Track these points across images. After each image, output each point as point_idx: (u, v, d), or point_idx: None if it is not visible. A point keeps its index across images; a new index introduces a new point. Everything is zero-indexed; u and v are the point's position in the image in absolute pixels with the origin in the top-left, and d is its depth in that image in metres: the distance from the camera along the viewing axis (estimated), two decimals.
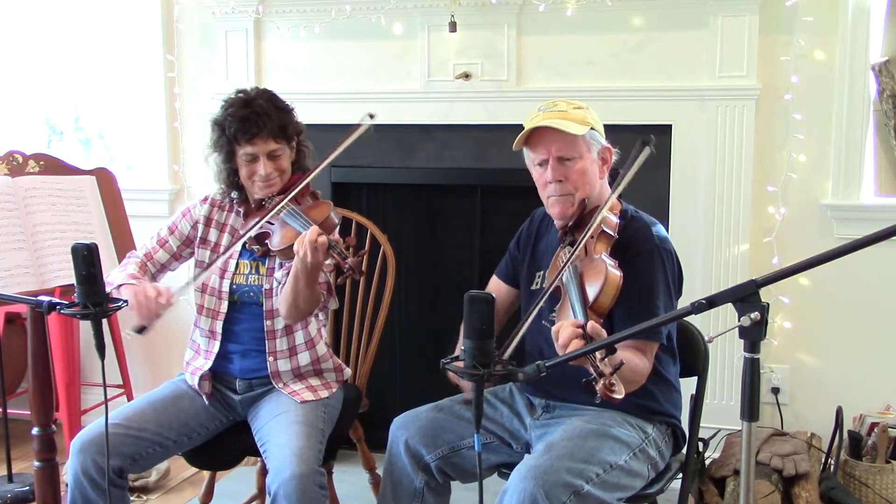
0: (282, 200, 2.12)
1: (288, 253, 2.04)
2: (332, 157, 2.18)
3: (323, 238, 1.94)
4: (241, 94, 2.18)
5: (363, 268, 1.96)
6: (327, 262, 2.00)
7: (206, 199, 2.32)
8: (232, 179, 2.23)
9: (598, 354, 1.55)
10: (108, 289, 2.11)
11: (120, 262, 2.87)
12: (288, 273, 2.09)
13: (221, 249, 2.25)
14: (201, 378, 2.22)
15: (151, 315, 2.02)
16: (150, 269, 2.28)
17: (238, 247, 2.23)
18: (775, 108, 2.87)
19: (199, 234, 2.28)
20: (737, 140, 2.83)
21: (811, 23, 2.79)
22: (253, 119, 2.11)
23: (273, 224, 2.13)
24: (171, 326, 3.41)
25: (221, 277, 2.24)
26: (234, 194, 2.26)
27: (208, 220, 2.29)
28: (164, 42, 3.42)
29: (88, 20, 3.67)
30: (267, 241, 2.14)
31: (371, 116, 2.20)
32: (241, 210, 2.25)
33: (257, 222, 2.12)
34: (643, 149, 1.89)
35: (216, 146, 2.19)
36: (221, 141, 2.17)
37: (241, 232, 2.17)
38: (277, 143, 2.15)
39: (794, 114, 2.84)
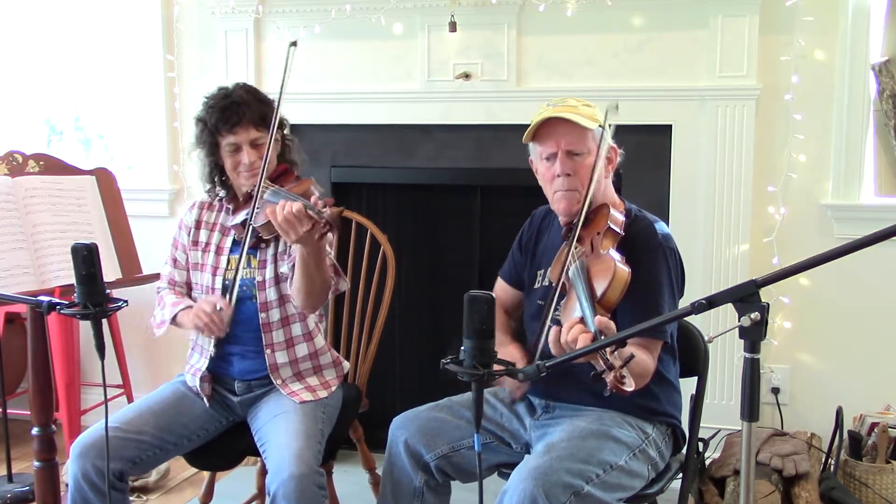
0: (266, 185, 2.11)
1: (270, 228, 2.03)
2: (279, 100, 2.13)
3: (296, 205, 1.91)
4: (221, 90, 2.20)
5: (340, 222, 1.96)
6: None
7: (193, 205, 2.34)
8: (217, 176, 2.24)
9: (607, 347, 1.55)
10: (162, 330, 2.21)
11: (120, 263, 2.89)
12: (293, 265, 2.09)
13: (212, 248, 2.26)
14: (201, 380, 2.22)
15: (223, 327, 2.10)
16: (180, 293, 2.30)
17: (228, 243, 2.24)
18: (775, 108, 2.87)
19: (190, 238, 2.29)
20: (737, 140, 2.83)
21: (811, 23, 2.79)
22: (233, 108, 2.13)
23: (258, 210, 2.13)
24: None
25: (213, 275, 2.24)
26: (221, 193, 2.27)
27: (198, 223, 2.30)
28: (164, 42, 3.42)
29: (88, 20, 3.67)
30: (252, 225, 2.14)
31: (294, 44, 2.13)
32: (231, 207, 2.26)
33: (248, 210, 2.12)
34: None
35: (199, 141, 2.21)
36: (204, 135, 2.18)
37: (229, 224, 2.20)
38: (259, 132, 2.16)
39: (794, 114, 2.84)
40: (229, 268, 2.23)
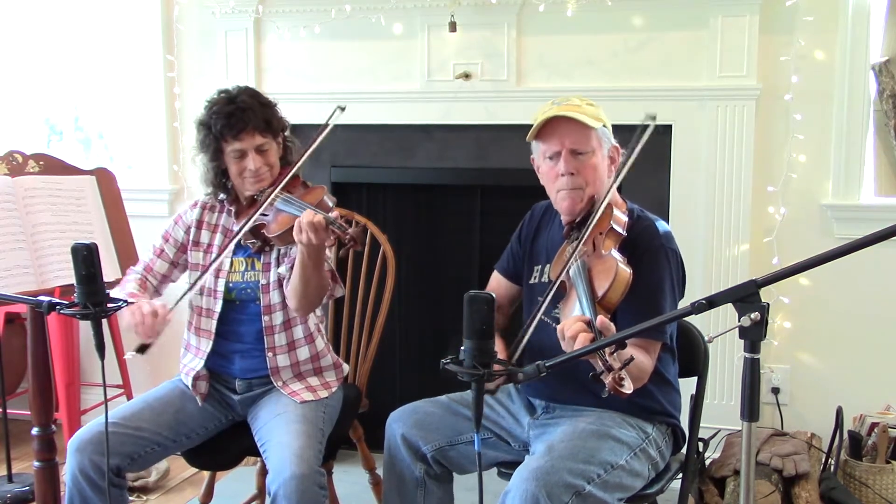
0: (274, 190, 2.13)
1: (286, 238, 2.04)
2: (313, 146, 2.19)
3: (319, 217, 1.94)
4: (223, 94, 2.19)
5: (365, 238, 1.96)
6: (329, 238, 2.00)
7: (195, 203, 2.33)
8: (220, 180, 2.23)
9: (607, 349, 1.55)
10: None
11: (120, 263, 2.89)
12: (292, 265, 2.10)
13: (214, 249, 2.25)
14: (196, 378, 2.22)
15: (151, 333, 2.03)
16: (150, 283, 2.29)
17: (232, 245, 2.23)
18: (775, 108, 2.87)
19: (191, 238, 2.29)
20: (737, 140, 2.83)
21: (811, 23, 2.79)
22: (238, 115, 2.12)
23: (267, 215, 2.14)
24: (172, 326, 3.42)
25: (216, 277, 2.24)
26: (222, 196, 2.27)
27: (199, 223, 2.29)
28: (164, 42, 3.42)
29: (88, 20, 3.66)
30: (263, 231, 2.15)
31: (341, 109, 2.19)
32: (233, 209, 2.26)
33: (253, 214, 2.13)
34: (646, 128, 1.90)
35: (203, 146, 2.20)
36: (208, 140, 2.17)
37: (236, 228, 2.18)
38: (264, 138, 2.16)
39: (794, 114, 2.84)
40: (233, 270, 2.24)
